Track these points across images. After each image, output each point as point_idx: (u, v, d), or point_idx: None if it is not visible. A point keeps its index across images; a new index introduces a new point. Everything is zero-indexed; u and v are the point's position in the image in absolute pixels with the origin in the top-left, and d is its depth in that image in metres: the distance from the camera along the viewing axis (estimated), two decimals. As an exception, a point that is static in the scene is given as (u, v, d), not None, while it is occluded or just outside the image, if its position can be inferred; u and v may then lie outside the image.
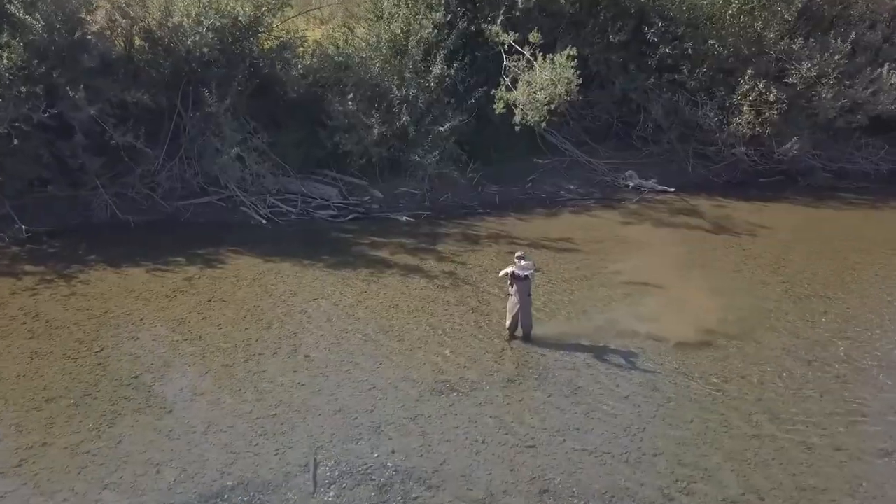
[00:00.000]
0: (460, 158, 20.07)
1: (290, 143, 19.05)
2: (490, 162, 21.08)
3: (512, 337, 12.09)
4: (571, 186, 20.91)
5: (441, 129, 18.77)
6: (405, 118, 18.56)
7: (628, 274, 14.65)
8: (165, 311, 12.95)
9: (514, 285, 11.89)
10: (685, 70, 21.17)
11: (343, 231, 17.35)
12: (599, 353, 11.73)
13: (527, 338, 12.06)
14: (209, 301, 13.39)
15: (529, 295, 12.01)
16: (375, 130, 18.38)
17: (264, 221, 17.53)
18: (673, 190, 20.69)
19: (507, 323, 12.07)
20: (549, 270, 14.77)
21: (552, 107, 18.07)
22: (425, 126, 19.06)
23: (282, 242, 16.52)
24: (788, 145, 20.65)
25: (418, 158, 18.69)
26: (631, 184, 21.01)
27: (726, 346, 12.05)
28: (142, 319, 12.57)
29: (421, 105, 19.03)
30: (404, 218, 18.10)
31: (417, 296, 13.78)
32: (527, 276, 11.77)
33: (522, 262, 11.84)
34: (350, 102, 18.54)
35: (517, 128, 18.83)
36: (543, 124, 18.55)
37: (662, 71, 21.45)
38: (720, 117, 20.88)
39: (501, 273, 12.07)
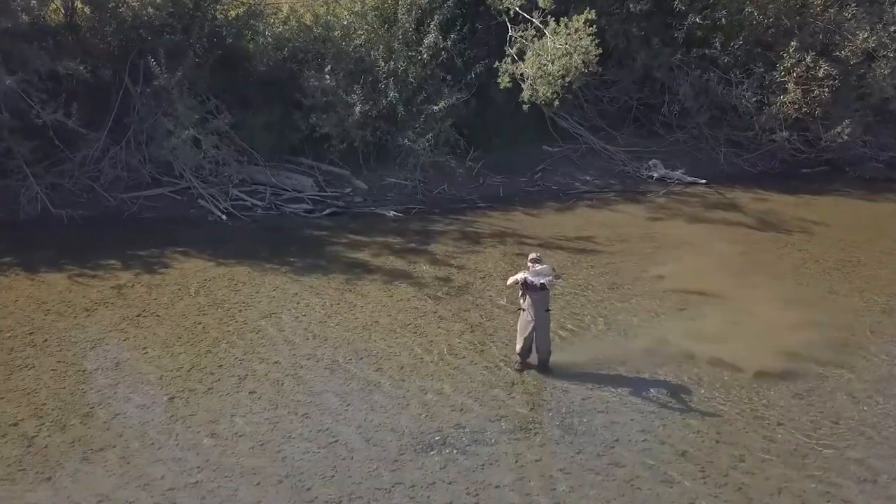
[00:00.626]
0: (458, 144, 17.25)
1: (258, 125, 16.21)
2: (492, 149, 18.27)
3: (524, 365, 9.28)
4: (587, 177, 18.08)
5: (435, 108, 15.94)
6: (392, 95, 15.72)
7: (673, 280, 11.83)
8: (79, 329, 10.12)
9: (528, 297, 9.09)
10: (717, 44, 18.33)
11: (318, 228, 14.53)
12: (644, 387, 8.91)
13: (544, 366, 9.25)
14: (139, 316, 10.56)
15: (548, 310, 9.19)
16: (357, 109, 15.54)
17: (224, 217, 14.70)
18: (704, 182, 17.86)
19: (518, 347, 9.25)
20: (570, 276, 11.94)
21: (567, 80, 15.24)
22: (416, 105, 16.23)
23: (242, 242, 13.72)
24: (838, 129, 17.78)
25: (408, 143, 15.85)
26: (655, 175, 18.18)
27: (819, 376, 9.19)
28: (45, 342, 9.73)
29: (412, 80, 16.20)
30: (391, 213, 15.27)
31: (404, 309, 10.96)
32: (543, 286, 8.95)
33: (538, 267, 9.03)
34: (328, 77, 15.71)
35: (525, 107, 16.04)
36: (556, 102, 15.71)
37: (691, 45, 18.62)
38: (758, 97, 18.05)
39: (510, 280, 9.26)
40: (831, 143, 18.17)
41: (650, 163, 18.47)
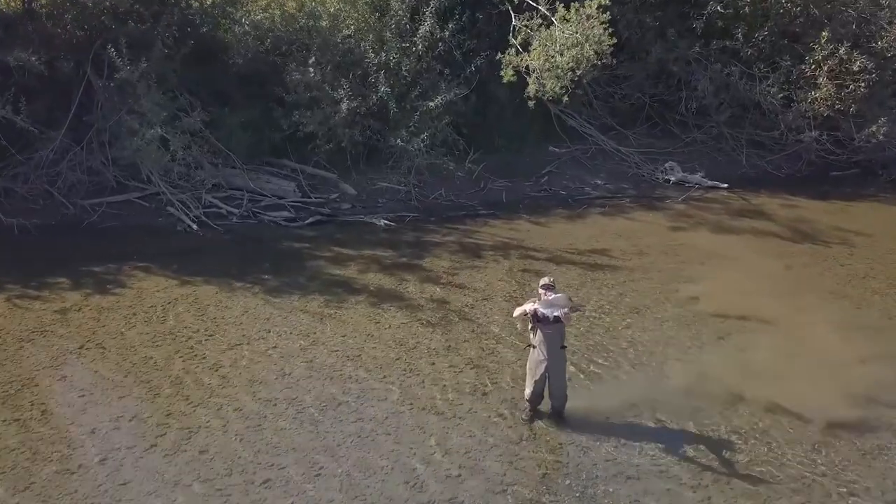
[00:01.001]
0: (456, 145, 15.71)
1: (236, 123, 14.66)
2: (494, 150, 16.74)
3: (535, 414, 7.74)
4: (598, 181, 16.52)
5: (430, 104, 14.37)
6: (383, 90, 14.15)
7: (709, 301, 10.28)
8: (6, 365, 8.55)
9: (539, 331, 7.53)
10: (740, 35, 16.83)
11: (298, 240, 12.95)
12: (684, 443, 7.36)
13: (559, 415, 7.69)
14: (81, 348, 9.00)
15: (563, 347, 7.63)
16: (344, 106, 13.97)
17: (195, 227, 13.12)
18: (726, 186, 16.30)
19: (528, 391, 7.70)
20: (585, 297, 10.41)
21: (577, 74, 13.67)
22: (410, 102, 14.67)
23: (213, 256, 12.15)
24: (873, 129, 16.21)
25: (401, 143, 14.29)
26: (672, 178, 16.62)
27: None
28: (-38, 382, 8.18)
29: (405, 74, 14.63)
30: (382, 222, 13.70)
31: (391, 340, 9.39)
32: (558, 318, 7.39)
33: (551, 296, 7.46)
34: (311, 70, 14.14)
35: (530, 103, 14.45)
36: (565, 98, 14.13)
37: (710, 36, 17.10)
38: (785, 93, 16.48)
39: (517, 312, 7.69)
40: (865, 144, 16.61)
41: (666, 165, 16.92)
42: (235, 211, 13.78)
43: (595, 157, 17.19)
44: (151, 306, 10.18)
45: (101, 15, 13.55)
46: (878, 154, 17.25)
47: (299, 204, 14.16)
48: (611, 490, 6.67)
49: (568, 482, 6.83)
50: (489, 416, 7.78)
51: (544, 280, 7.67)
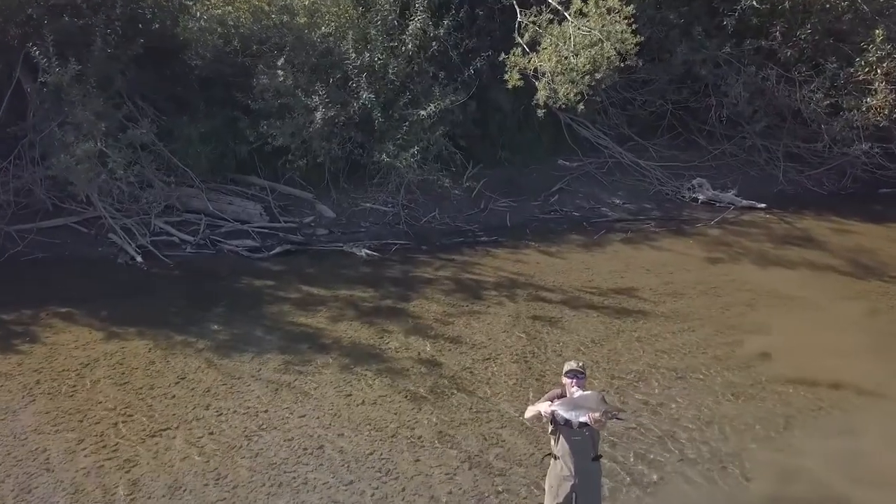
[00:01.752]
0: (453, 159, 13.56)
1: (195, 135, 12.51)
2: (496, 164, 14.64)
3: (557, 550, 5.53)
4: (615, 200, 14.37)
5: (422, 113, 12.19)
6: (366, 96, 11.99)
7: (786, 360, 8.17)
8: None
9: (561, 437, 5.34)
10: (777, 33, 14.70)
11: (262, 276, 10.79)
12: None
13: (591, 552, 5.49)
14: (-49, 436, 6.83)
15: (597, 458, 5.43)
16: (319, 115, 11.81)
17: (139, 259, 10.95)
18: (763, 206, 14.15)
19: (547, 514, 5.52)
20: (611, 356, 8.24)
21: (597, 77, 11.52)
22: (399, 110, 12.50)
23: (154, 297, 10.00)
24: (934, 141, 14.07)
25: (388, 159, 12.10)
26: (701, 197, 14.47)
27: None
28: None
29: (392, 78, 12.47)
30: (364, 252, 11.53)
31: (365, 422, 7.21)
32: (586, 426, 5.19)
33: (577, 392, 5.28)
34: (281, 73, 11.99)
35: (540, 112, 12.29)
36: (580, 106, 11.97)
37: (744, 35, 14.98)
38: (832, 100, 14.32)
39: (529, 413, 5.46)
40: (923, 159, 14.46)
41: (694, 182, 14.76)
42: (190, 239, 11.62)
43: (611, 173, 15.04)
44: (63, 371, 8.01)
45: (27, 6, 11.38)
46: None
47: (266, 230, 11.99)
48: None
49: None
50: (494, 556, 5.60)
51: (570, 365, 5.47)
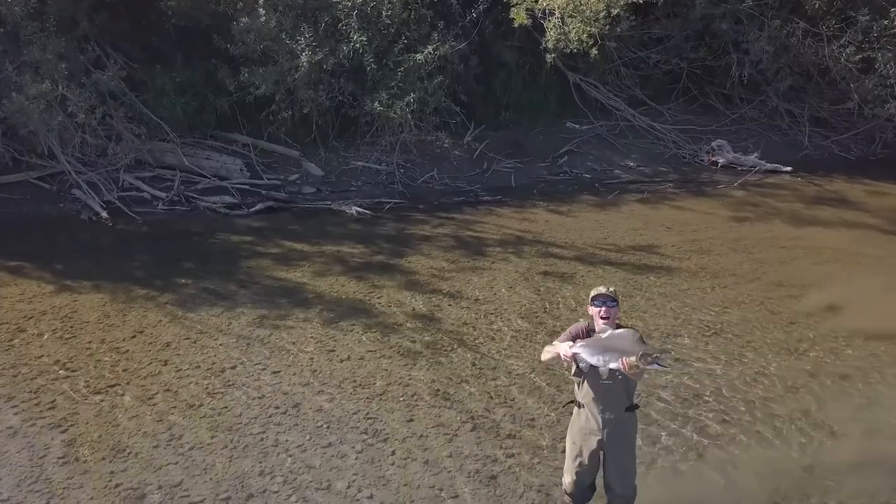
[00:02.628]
0: (452, 115, 12.43)
1: (170, 85, 11.43)
2: (499, 125, 13.56)
3: (582, 515, 4.47)
4: (629, 163, 13.30)
5: (418, 57, 11.09)
6: (357, 39, 10.91)
7: (858, 315, 7.15)
8: None
9: (586, 383, 4.25)
10: (804, -16, 13.67)
11: (240, 232, 9.70)
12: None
13: (624, 520, 4.43)
14: None
15: (632, 407, 4.34)
16: (304, 59, 10.71)
17: (104, 214, 9.85)
18: (790, 170, 13.08)
19: (567, 480, 4.44)
20: (638, 315, 7.15)
21: (613, 15, 10.45)
22: (393, 58, 11.40)
23: (117, 253, 8.90)
24: (973, 99, 12.99)
25: (380, 107, 11.01)
26: (721, 160, 13.40)
27: None
28: None
29: (386, 21, 11.38)
30: (354, 209, 10.44)
31: (350, 379, 6.12)
32: (618, 371, 4.09)
33: (606, 329, 4.20)
34: (263, 13, 10.90)
35: (549, 58, 11.25)
36: (594, 52, 10.89)
37: (766, -13, 13.92)
38: (864, 54, 13.25)
39: (548, 355, 4.35)
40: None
41: (714, 144, 13.70)
42: (163, 195, 10.52)
43: (624, 135, 13.97)
44: (2, 324, 6.90)
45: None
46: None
47: (247, 187, 10.90)
48: None
49: None
50: (504, 526, 4.51)
51: (598, 289, 4.39)
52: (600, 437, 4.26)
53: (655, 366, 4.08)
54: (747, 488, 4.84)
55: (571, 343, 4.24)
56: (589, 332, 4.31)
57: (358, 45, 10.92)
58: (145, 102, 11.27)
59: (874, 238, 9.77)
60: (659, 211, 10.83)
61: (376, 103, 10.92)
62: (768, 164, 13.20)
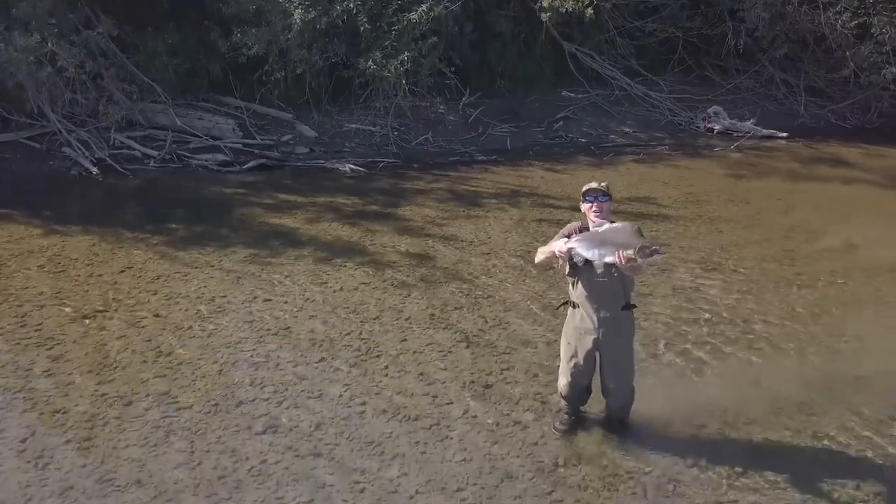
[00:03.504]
0: (447, 84, 12.31)
1: (162, 47, 11.32)
2: (495, 94, 13.45)
3: (575, 420, 4.38)
4: (625, 129, 13.21)
5: (412, 17, 11.00)
6: (351, -2, 10.83)
7: (876, 250, 7.14)
8: None
9: (580, 282, 4.17)
10: (799, -50, 13.60)
11: (232, 185, 9.58)
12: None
13: (619, 422, 4.34)
14: None
15: (628, 307, 4.24)
16: (297, 18, 10.62)
17: (94, 170, 9.72)
18: (786, 135, 13.02)
19: (563, 383, 4.36)
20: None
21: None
22: (387, 19, 11.31)
23: (107, 203, 8.80)
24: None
25: (374, 66, 10.91)
26: (717, 126, 13.31)
27: None
28: None
29: (380, -20, 11.30)
30: (348, 167, 10.34)
31: (343, 306, 6.03)
32: (614, 267, 4.00)
33: (603, 224, 4.12)
34: (256, -29, 10.82)
35: (544, 17, 11.18)
36: (589, 12, 10.85)
37: (762, -46, 13.84)
38: (860, 20, 13.20)
39: (541, 256, 4.26)
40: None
41: (710, 111, 13.61)
42: (154, 153, 10.39)
43: (619, 103, 13.87)
44: (-11, 260, 6.80)
45: None
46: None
47: (240, 146, 10.79)
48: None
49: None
50: (497, 424, 4.42)
51: (590, 185, 4.32)
52: (596, 337, 4.18)
53: (655, 257, 3.96)
54: (745, 399, 4.76)
55: (566, 239, 4.16)
56: (582, 231, 4.24)
57: (351, 6, 10.83)
58: (136, 64, 11.15)
59: (872, 192, 9.73)
60: (655, 169, 10.76)
61: (370, 62, 10.82)
62: (764, 130, 13.12)
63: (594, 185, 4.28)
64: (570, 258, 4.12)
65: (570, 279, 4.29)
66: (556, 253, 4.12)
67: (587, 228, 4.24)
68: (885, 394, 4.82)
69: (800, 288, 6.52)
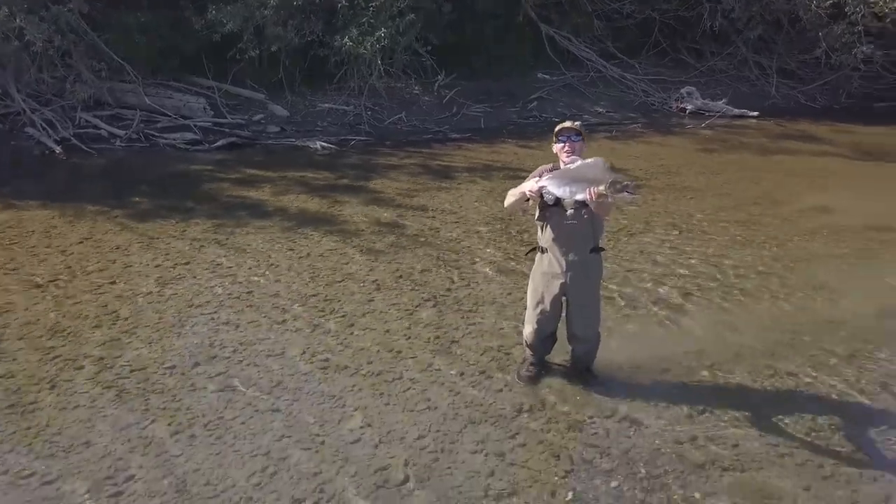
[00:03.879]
0: (423, 64, 12.21)
1: (133, 25, 11.11)
2: (472, 76, 13.39)
3: (540, 369, 4.30)
4: (598, 109, 13.20)
5: (387, -6, 10.88)
6: (323, -27, 10.68)
7: (850, 215, 7.20)
8: None
9: (549, 225, 4.09)
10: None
11: (200, 163, 9.40)
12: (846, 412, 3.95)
13: (585, 369, 4.26)
14: None
15: (596, 250, 4.16)
16: (270, -5, 10.48)
17: (58, 150, 9.50)
18: (756, 114, 13.08)
19: (528, 330, 4.26)
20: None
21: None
22: (361, -2, 11.18)
23: (70, 180, 8.59)
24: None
25: (350, 43, 10.77)
26: (689, 106, 13.35)
27: None
28: None
29: (353, -45, 11.15)
30: (319, 144, 10.22)
31: (308, 271, 5.92)
32: (584, 206, 3.92)
33: (575, 161, 4.01)
34: (226, -55, 10.65)
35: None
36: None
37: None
38: (833, 0, 13.29)
39: (511, 197, 4.16)
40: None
41: (683, 91, 13.67)
42: (121, 132, 10.18)
43: (594, 85, 13.90)
44: (-58, 234, 6.59)
45: None
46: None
47: (210, 124, 10.61)
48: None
49: (611, 483, 3.39)
50: (461, 375, 4.33)
51: (563, 124, 4.24)
52: (563, 281, 4.09)
53: (625, 194, 3.84)
54: (710, 345, 4.71)
55: (538, 178, 4.06)
56: (553, 171, 4.14)
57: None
58: (107, 42, 10.92)
59: (840, 164, 9.79)
60: (628, 145, 10.74)
61: (346, 39, 10.68)
62: (736, 110, 13.19)
63: (567, 124, 4.18)
64: (541, 198, 4.02)
65: (539, 224, 4.20)
66: (527, 192, 4.02)
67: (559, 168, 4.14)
68: (843, 338, 4.81)
69: (769, 247, 6.50)
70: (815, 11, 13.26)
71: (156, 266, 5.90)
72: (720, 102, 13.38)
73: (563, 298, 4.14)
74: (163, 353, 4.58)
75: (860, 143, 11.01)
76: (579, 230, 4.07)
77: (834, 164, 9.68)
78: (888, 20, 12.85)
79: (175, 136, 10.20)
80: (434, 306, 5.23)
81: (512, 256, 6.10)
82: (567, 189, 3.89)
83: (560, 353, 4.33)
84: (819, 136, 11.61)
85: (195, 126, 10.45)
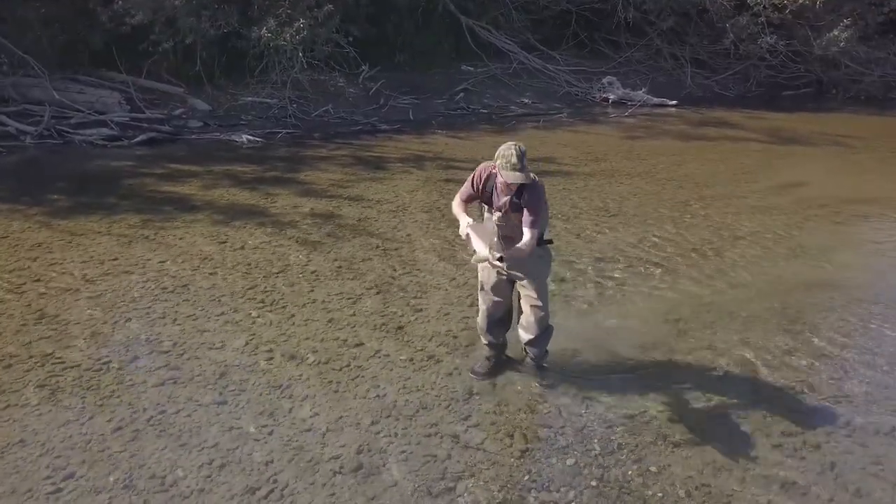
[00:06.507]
0: (346, 56, 12.07)
1: (34, 18, 10.51)
2: (394, 67, 13.34)
3: (492, 362, 4.29)
4: (524, 100, 13.40)
5: (306, -20, 10.70)
6: (240, -40, 10.41)
7: (824, 189, 7.83)
8: None
9: (494, 216, 4.06)
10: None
11: (123, 160, 9.01)
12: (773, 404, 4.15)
13: (537, 358, 4.25)
14: None
15: (546, 242, 4.18)
16: (185, -20, 10.13)
17: (-39, 148, 8.92)
18: (675, 103, 13.60)
19: (482, 317, 4.24)
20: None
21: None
22: (281, -14, 10.96)
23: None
24: (835, 33, 13.93)
25: (268, 35, 10.54)
26: (612, 96, 13.74)
27: None
28: None
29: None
30: (245, 137, 9.97)
31: (243, 264, 5.76)
32: (529, 189, 3.92)
33: (513, 171, 3.84)
34: (136, -67, 10.20)
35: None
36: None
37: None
38: (738, -9, 13.98)
39: (454, 214, 4.03)
40: (826, 53, 14.31)
41: (605, 80, 14.06)
42: (31, 129, 9.63)
43: (518, 76, 14.10)
44: None
45: None
46: (831, 68, 15.13)
47: (127, 119, 10.18)
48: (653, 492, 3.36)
49: (568, 461, 3.46)
50: (410, 360, 4.32)
51: (509, 148, 3.91)
52: (501, 279, 4.08)
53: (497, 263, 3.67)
54: (653, 324, 4.87)
55: (469, 222, 3.91)
56: (490, 177, 4.07)
57: (241, -32, 10.43)
58: (5, 35, 10.30)
59: (755, 147, 10.30)
60: (555, 134, 10.97)
61: (264, 30, 10.44)
62: (655, 99, 13.67)
63: (512, 151, 3.94)
64: (484, 202, 4.02)
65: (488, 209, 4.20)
66: (461, 229, 3.90)
67: (495, 175, 4.02)
68: (776, 310, 5.07)
69: (700, 227, 6.77)
70: (721, 3, 13.88)
71: (81, 262, 5.63)
72: (640, 92, 13.83)
73: (510, 286, 4.13)
74: (97, 350, 4.37)
75: (771, 128, 11.62)
76: (516, 225, 4.00)
77: (749, 148, 10.19)
78: (787, 11, 13.56)
79: (91, 132, 9.73)
80: (378, 294, 5.20)
81: (453, 243, 6.12)
82: (479, 245, 3.75)
83: (513, 346, 4.33)
84: (734, 122, 12.18)
85: (112, 122, 10.00)
